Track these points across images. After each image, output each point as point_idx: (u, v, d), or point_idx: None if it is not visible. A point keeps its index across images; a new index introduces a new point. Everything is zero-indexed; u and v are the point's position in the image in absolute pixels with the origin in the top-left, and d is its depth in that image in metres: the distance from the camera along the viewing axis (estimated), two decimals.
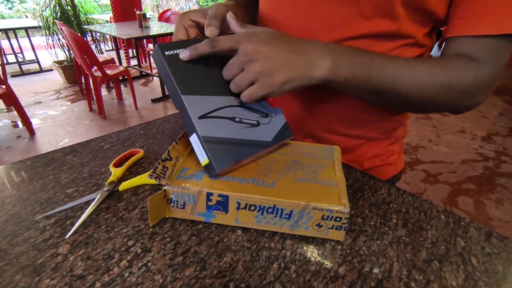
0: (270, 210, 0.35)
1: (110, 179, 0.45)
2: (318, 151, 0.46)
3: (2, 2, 6.69)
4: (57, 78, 4.01)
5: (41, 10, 3.49)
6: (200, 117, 0.37)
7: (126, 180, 0.45)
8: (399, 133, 0.59)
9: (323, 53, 0.38)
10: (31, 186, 0.45)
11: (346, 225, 0.34)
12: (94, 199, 0.41)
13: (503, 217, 1.72)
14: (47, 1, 3.46)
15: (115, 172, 0.46)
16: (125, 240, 0.35)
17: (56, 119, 2.86)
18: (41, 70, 4.39)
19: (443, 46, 0.45)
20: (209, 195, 0.36)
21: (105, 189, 0.43)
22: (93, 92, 2.84)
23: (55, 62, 3.80)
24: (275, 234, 0.37)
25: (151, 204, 0.35)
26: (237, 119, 0.40)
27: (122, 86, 3.56)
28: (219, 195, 0.35)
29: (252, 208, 0.35)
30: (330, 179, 0.39)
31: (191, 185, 0.36)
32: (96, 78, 2.65)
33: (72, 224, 0.37)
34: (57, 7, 3.45)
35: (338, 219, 0.34)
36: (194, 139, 0.37)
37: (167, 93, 3.26)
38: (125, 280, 0.30)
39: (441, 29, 0.48)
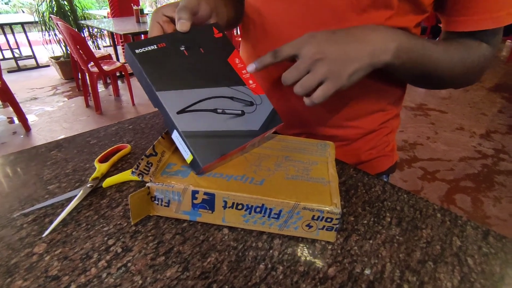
0: (258, 209, 0.33)
1: (94, 175, 0.43)
2: (311, 146, 0.44)
3: None
4: (53, 74, 3.97)
5: (37, 4, 3.45)
6: (178, 112, 0.35)
7: (111, 176, 0.43)
8: (393, 123, 0.59)
9: (385, 37, 0.39)
10: (11, 182, 0.43)
11: (337, 225, 0.33)
12: (76, 195, 0.39)
13: (500, 215, 1.71)
14: None
15: (100, 168, 0.44)
16: (106, 239, 0.34)
17: (52, 115, 2.84)
18: (38, 66, 4.35)
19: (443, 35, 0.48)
20: (194, 193, 0.34)
21: (88, 185, 0.41)
22: (90, 88, 2.82)
23: (51, 57, 3.76)
24: (263, 233, 0.35)
25: (133, 201, 0.34)
26: (219, 111, 0.38)
27: (119, 82, 3.53)
28: (205, 193, 0.34)
29: (240, 207, 0.34)
30: (322, 177, 0.37)
31: (176, 182, 0.34)
32: (92, 74, 2.62)
33: (51, 222, 0.36)
34: (53, 2, 3.41)
35: (329, 220, 0.32)
36: (175, 136, 0.36)
37: None
38: (102, 282, 0.29)
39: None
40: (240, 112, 0.39)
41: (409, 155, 2.23)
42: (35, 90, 3.48)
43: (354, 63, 0.37)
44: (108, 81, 3.57)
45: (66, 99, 3.22)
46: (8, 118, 2.76)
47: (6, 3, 6.76)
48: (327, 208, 0.32)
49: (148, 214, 0.37)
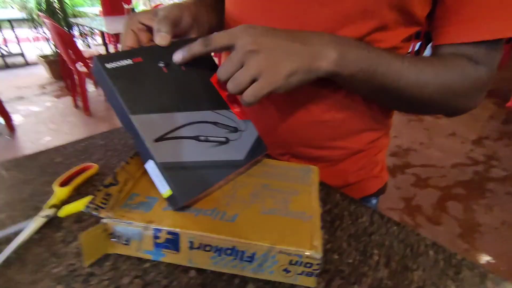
0: (228, 251, 0.29)
1: (51, 201, 0.39)
2: (293, 171, 0.40)
3: None
4: (42, 73, 3.88)
5: (25, 1, 3.36)
6: (156, 140, 0.31)
7: (72, 202, 0.39)
8: (383, 142, 0.55)
9: (328, 43, 0.35)
10: None
11: (318, 271, 0.29)
12: (27, 227, 0.35)
13: (492, 223, 1.69)
14: None
15: (59, 193, 0.40)
16: (53, 284, 0.29)
17: (39, 116, 2.76)
18: (26, 64, 4.25)
19: (433, 50, 0.43)
20: (156, 231, 0.30)
21: (43, 214, 0.37)
22: (78, 88, 2.74)
23: (40, 56, 3.67)
24: (235, 276, 0.31)
25: (86, 240, 0.29)
26: (201, 138, 0.34)
27: None
28: (169, 233, 0.30)
29: (208, 248, 0.30)
30: (302, 211, 0.33)
31: (136, 217, 0.30)
32: (81, 74, 2.55)
33: None
34: None
35: (308, 265, 0.28)
36: (150, 166, 0.31)
37: None
38: None
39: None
40: (224, 139, 0.36)
41: (403, 161, 2.21)
42: (22, 89, 3.39)
43: (292, 61, 0.33)
44: None
45: (54, 99, 3.14)
46: None
47: None
48: (306, 253, 0.28)
49: (106, 252, 0.33)
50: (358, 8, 0.38)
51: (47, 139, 2.36)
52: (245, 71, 0.32)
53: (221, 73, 0.34)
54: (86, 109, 2.77)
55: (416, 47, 4.53)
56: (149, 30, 0.37)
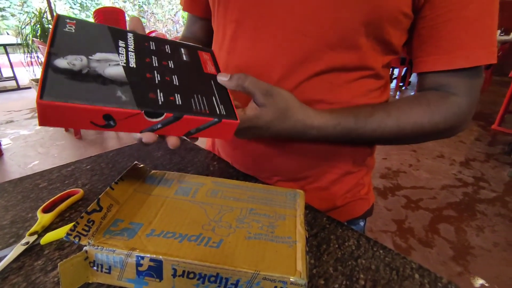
0: (212, 278, 0.29)
1: (33, 228, 0.38)
2: (279, 196, 0.40)
3: None
4: (34, 96, 3.87)
5: (21, 27, 3.42)
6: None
7: (55, 229, 0.38)
8: (368, 163, 0.56)
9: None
10: None
11: None
12: (5, 256, 0.34)
13: (484, 245, 1.69)
14: (28, 19, 3.40)
15: (42, 219, 0.39)
16: None
17: (28, 139, 2.72)
18: (18, 88, 4.25)
19: (417, 79, 0.47)
20: (139, 259, 0.29)
21: (23, 242, 0.36)
22: None
23: (32, 80, 3.68)
24: None
25: (64, 270, 0.29)
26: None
27: None
28: (151, 259, 0.29)
29: (191, 275, 0.29)
30: (288, 235, 0.33)
31: (119, 245, 0.30)
32: None
33: None
34: (38, 25, 3.39)
35: None
36: None
37: None
38: None
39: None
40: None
41: (393, 183, 2.23)
42: (12, 112, 3.37)
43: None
44: None
45: None
46: None
47: None
48: (291, 279, 0.28)
49: (86, 281, 0.32)
50: (338, 37, 0.41)
51: (35, 163, 2.31)
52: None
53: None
54: (76, 133, 2.75)
55: (403, 73, 4.71)
56: None
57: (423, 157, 2.64)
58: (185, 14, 0.54)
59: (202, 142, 0.65)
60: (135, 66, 0.33)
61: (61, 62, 0.29)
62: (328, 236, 0.41)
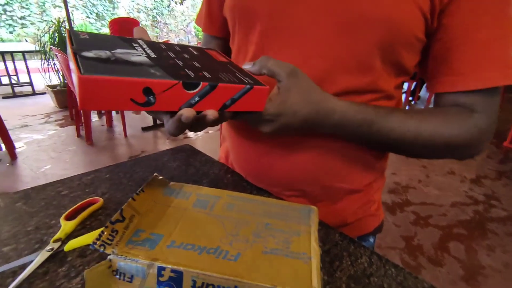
0: None
1: (57, 235, 0.40)
2: (293, 212, 0.41)
3: (3, 26, 6.83)
4: (48, 102, 3.98)
5: (39, 35, 3.54)
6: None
7: (77, 236, 0.40)
8: (379, 182, 0.57)
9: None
10: None
11: None
12: (32, 261, 0.36)
13: (494, 265, 1.65)
14: (46, 28, 3.53)
15: (65, 227, 0.41)
16: None
17: (41, 144, 2.79)
18: (34, 93, 4.38)
19: (434, 97, 0.47)
20: (160, 269, 0.31)
21: (48, 248, 0.38)
22: (82, 117, 2.80)
23: (48, 86, 3.80)
24: None
25: (90, 278, 0.30)
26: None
27: (113, 112, 3.54)
28: (172, 271, 0.30)
29: (210, 287, 0.30)
30: (303, 251, 0.34)
31: (141, 255, 0.31)
32: None
33: None
34: (56, 34, 3.51)
35: None
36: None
37: (158, 121, 3.24)
38: None
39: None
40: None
41: (402, 199, 2.21)
42: (27, 117, 3.46)
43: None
44: (103, 111, 3.57)
45: (58, 127, 3.19)
46: None
47: (10, 32, 6.97)
48: None
49: None
50: (353, 60, 0.42)
51: (47, 167, 2.36)
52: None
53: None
54: (88, 139, 2.81)
55: (412, 87, 4.70)
56: None
57: (433, 173, 2.60)
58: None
59: (215, 153, 0.67)
60: (156, 56, 0.35)
61: (88, 54, 0.30)
62: (340, 253, 0.41)
